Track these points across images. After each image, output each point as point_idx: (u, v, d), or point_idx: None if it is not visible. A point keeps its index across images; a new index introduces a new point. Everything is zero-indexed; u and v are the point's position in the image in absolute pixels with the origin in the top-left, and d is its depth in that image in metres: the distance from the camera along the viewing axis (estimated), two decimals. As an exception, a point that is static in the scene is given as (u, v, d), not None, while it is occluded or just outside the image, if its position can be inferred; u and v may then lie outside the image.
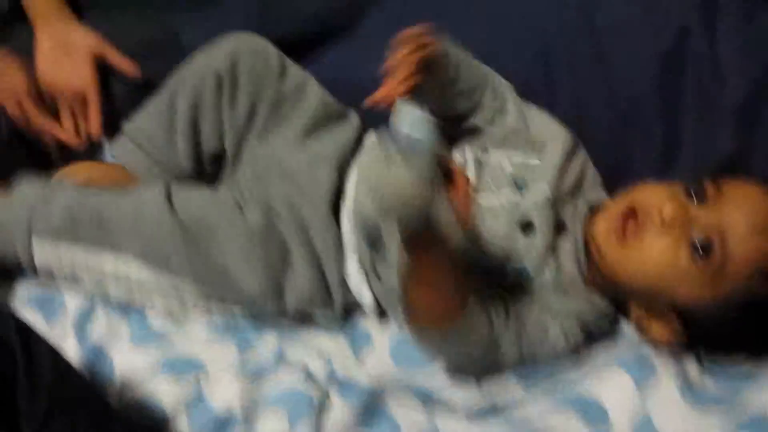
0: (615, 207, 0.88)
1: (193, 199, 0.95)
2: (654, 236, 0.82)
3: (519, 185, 0.91)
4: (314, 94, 1.03)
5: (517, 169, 0.92)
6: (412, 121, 0.75)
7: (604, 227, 0.87)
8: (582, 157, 0.96)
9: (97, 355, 0.90)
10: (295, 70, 1.04)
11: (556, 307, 0.87)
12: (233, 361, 0.89)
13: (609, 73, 1.00)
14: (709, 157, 0.95)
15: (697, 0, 0.98)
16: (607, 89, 1.00)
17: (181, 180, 1.01)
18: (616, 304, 0.90)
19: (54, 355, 0.75)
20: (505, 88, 0.99)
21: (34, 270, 0.93)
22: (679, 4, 0.99)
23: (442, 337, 0.83)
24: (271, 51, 1.04)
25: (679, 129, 0.97)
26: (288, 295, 0.92)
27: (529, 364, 0.86)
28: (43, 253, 0.92)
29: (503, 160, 0.93)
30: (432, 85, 0.89)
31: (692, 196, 0.83)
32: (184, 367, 0.88)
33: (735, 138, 0.94)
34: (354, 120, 1.03)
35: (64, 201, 0.93)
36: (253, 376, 0.86)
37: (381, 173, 0.72)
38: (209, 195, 0.97)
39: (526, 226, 0.89)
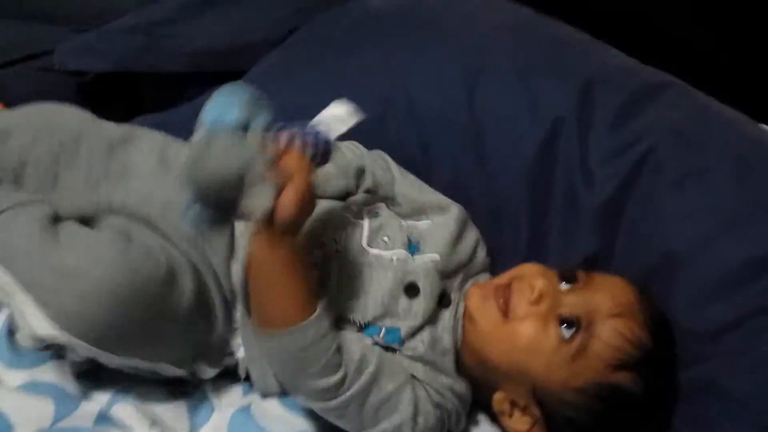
0: (493, 281, 0.89)
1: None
2: (525, 311, 0.84)
3: (412, 247, 0.90)
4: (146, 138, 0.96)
5: (411, 231, 0.91)
6: (221, 105, 0.75)
7: (478, 299, 0.87)
8: (475, 235, 0.95)
9: None
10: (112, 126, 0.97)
11: (420, 376, 0.84)
12: (45, 424, 0.83)
13: (484, 157, 0.98)
14: (573, 254, 0.94)
15: (575, 95, 0.97)
16: (481, 175, 0.98)
17: None
18: (477, 396, 0.89)
19: None
20: (380, 157, 0.98)
21: None
22: (558, 96, 0.98)
23: (274, 342, 0.79)
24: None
25: (545, 227, 0.96)
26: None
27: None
28: None
29: (397, 222, 0.92)
30: None
31: (564, 280, 0.86)
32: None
33: (597, 236, 0.93)
34: None
35: None
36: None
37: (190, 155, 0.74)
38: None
39: (410, 288, 0.87)
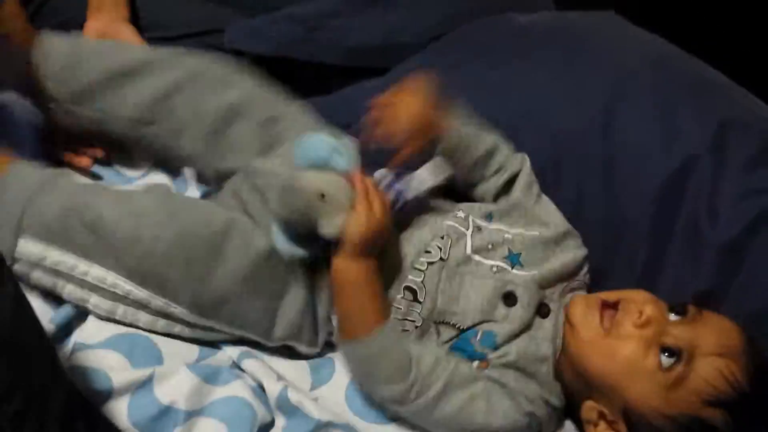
0: (600, 295, 0.92)
1: (200, 210, 0.94)
2: (628, 332, 0.87)
3: (513, 257, 0.94)
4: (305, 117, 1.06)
5: (515, 240, 0.95)
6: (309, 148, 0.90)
7: (582, 308, 0.91)
8: (582, 253, 0.98)
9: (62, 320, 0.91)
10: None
11: (512, 384, 0.89)
12: (191, 360, 0.92)
13: (612, 181, 1.03)
14: (686, 288, 0.97)
15: (711, 135, 1.01)
16: (607, 198, 1.03)
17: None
18: (569, 403, 0.93)
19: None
20: (518, 159, 1.03)
21: (12, 262, 0.88)
22: (695, 133, 1.02)
23: (345, 348, 0.91)
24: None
25: (663, 256, 1.00)
26: (277, 327, 0.93)
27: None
28: (28, 250, 0.88)
29: (503, 230, 0.96)
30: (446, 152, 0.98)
31: (673, 312, 0.88)
32: (142, 354, 0.90)
33: (714, 274, 0.97)
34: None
35: (60, 200, 0.89)
36: (207, 377, 0.89)
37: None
38: (216, 208, 0.96)
39: (508, 297, 0.92)
